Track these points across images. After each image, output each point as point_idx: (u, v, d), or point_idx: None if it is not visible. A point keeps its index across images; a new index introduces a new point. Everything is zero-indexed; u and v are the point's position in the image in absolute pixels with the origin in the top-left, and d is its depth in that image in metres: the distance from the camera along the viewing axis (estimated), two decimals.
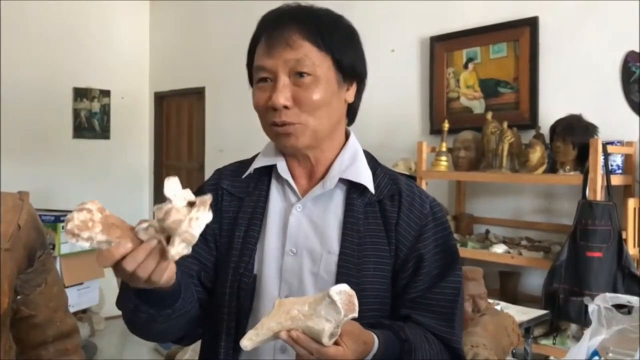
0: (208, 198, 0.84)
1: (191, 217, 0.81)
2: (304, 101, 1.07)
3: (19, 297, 1.28)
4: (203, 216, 0.82)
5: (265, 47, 1.09)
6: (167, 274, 0.87)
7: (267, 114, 1.09)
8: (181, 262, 1.14)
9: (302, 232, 1.12)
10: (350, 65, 1.12)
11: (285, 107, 1.07)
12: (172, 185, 0.84)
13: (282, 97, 1.06)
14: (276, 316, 0.92)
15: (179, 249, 0.82)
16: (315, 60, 1.07)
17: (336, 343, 0.90)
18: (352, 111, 1.19)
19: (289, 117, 1.07)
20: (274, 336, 0.92)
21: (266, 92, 1.09)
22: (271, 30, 1.09)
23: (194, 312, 1.10)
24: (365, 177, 1.14)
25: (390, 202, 1.13)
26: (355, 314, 0.90)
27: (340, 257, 1.09)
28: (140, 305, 0.98)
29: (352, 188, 1.14)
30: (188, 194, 0.85)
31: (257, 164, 1.18)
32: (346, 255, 1.09)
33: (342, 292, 0.90)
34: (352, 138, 1.20)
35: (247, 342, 0.92)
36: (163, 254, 0.84)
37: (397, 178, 1.17)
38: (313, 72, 1.07)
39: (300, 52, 1.07)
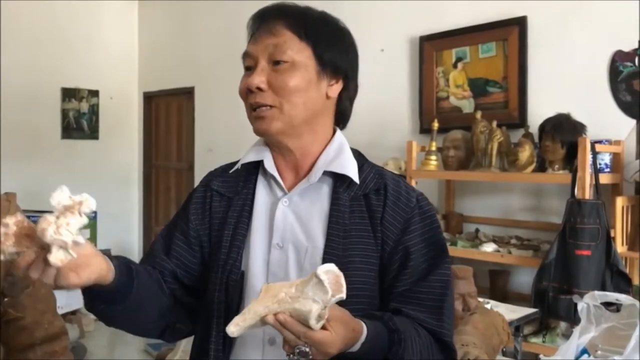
0: (77, 202, 0.86)
1: (58, 224, 0.84)
2: (280, 85, 1.11)
3: (6, 299, 1.27)
4: (73, 221, 0.85)
5: (252, 36, 1.16)
6: (85, 276, 0.91)
7: (247, 98, 1.14)
8: (152, 260, 1.18)
9: (288, 225, 1.14)
10: (331, 60, 1.15)
11: (260, 89, 1.11)
12: (58, 195, 0.87)
13: (257, 79, 1.11)
14: (263, 300, 0.91)
15: (58, 255, 0.85)
16: (294, 47, 1.12)
17: (324, 328, 0.89)
18: (342, 115, 1.22)
19: (263, 98, 1.11)
20: (262, 321, 0.90)
21: (247, 78, 1.13)
22: (260, 22, 1.15)
23: (162, 307, 1.14)
24: (350, 169, 1.15)
25: (375, 196, 1.15)
26: (343, 295, 0.89)
27: (326, 250, 1.10)
28: (93, 301, 1.04)
29: (339, 182, 1.15)
30: (66, 199, 0.87)
31: (244, 160, 1.21)
32: (331, 248, 1.10)
33: (329, 272, 0.89)
34: (338, 133, 1.22)
35: (233, 328, 0.91)
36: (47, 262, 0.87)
37: (383, 173, 1.19)
38: (291, 59, 1.11)
39: (280, 38, 1.12)
